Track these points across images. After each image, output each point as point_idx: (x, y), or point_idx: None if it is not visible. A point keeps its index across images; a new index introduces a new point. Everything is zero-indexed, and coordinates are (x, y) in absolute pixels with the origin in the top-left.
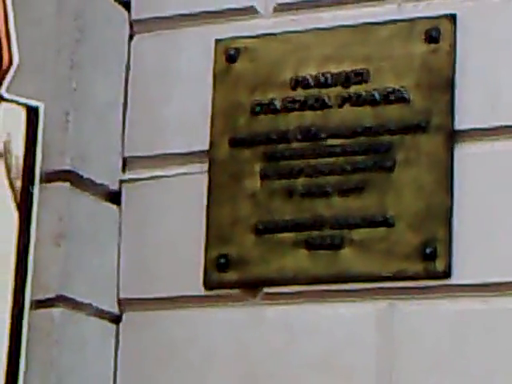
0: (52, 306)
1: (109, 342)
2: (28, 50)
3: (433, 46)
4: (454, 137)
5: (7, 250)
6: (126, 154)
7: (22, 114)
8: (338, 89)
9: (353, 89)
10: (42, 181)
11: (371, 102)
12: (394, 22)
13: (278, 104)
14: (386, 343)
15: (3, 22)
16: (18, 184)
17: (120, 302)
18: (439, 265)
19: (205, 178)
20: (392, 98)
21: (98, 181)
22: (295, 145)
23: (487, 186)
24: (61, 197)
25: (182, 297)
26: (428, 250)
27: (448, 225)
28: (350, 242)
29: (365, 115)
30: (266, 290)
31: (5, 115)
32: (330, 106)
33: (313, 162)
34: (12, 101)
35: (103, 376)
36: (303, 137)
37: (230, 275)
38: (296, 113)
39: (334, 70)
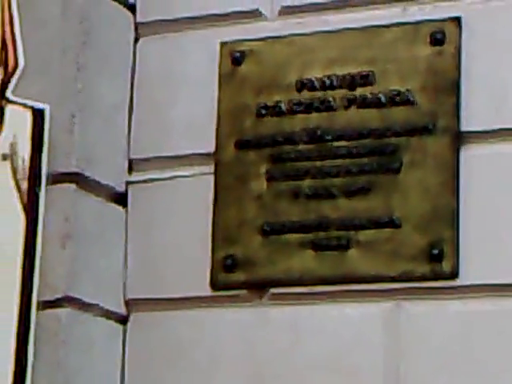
0: (59, 306)
1: (116, 343)
2: (34, 53)
3: (438, 48)
4: (459, 139)
5: (14, 251)
6: (132, 156)
7: (28, 115)
8: (344, 91)
9: (358, 91)
10: (48, 182)
11: (377, 104)
12: (399, 24)
13: (283, 106)
14: (392, 344)
15: (9, 24)
16: (25, 186)
17: (127, 302)
18: (446, 266)
19: (211, 180)
20: (397, 100)
21: (104, 182)
22: (301, 147)
23: (493, 188)
24: (67, 198)
25: (189, 297)
26: (435, 251)
27: (454, 226)
28: (356, 243)
29: (370, 117)
30: (273, 290)
31: (11, 117)
32: (336, 109)
33: (319, 163)
34: (18, 103)
35: (110, 376)
36: (309, 139)
37: (236, 276)
38: (302, 115)
39: (340, 72)
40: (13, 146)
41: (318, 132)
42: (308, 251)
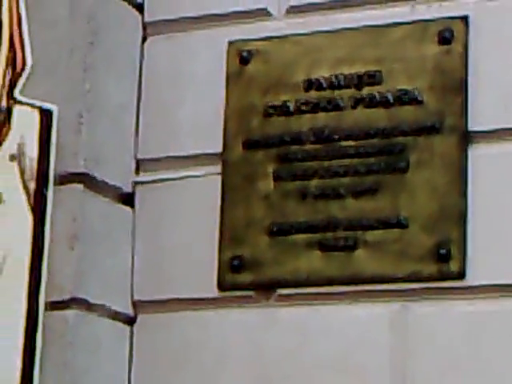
0: (66, 307)
1: (123, 344)
2: (41, 53)
3: (446, 47)
4: (467, 138)
5: (22, 251)
6: (140, 156)
7: (36, 116)
8: (351, 90)
9: (366, 90)
10: (55, 183)
11: (384, 103)
12: (407, 23)
13: (291, 106)
14: (399, 344)
15: (17, 24)
16: (32, 186)
17: (134, 303)
18: (453, 266)
19: (218, 180)
20: (405, 99)
21: (112, 183)
22: (308, 146)
23: (501, 187)
24: (74, 199)
25: (196, 298)
26: (442, 252)
27: (462, 226)
28: (363, 244)
29: (378, 117)
30: (280, 291)
31: (18, 117)
32: (343, 108)
33: (326, 163)
34: (26, 103)
35: (117, 377)
36: (316, 138)
37: (243, 277)
38: (309, 115)
39: (347, 71)
40: (20, 146)
41: (326, 132)
42: (315, 252)
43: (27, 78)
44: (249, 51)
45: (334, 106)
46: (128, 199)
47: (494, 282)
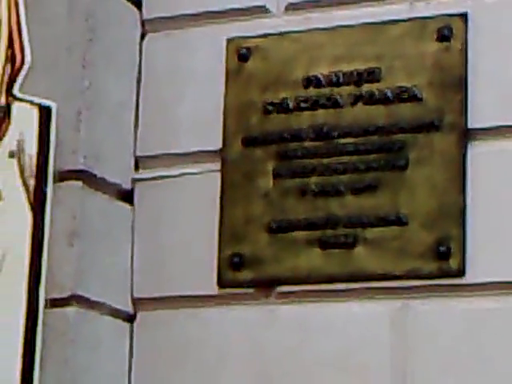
0: (66, 305)
1: (123, 341)
2: (40, 50)
3: (445, 44)
4: (466, 135)
5: (21, 249)
6: (139, 153)
7: (35, 113)
8: (351, 88)
9: (365, 87)
10: (55, 180)
11: (384, 100)
12: (406, 20)
13: (290, 103)
14: (400, 342)
15: (16, 22)
16: (32, 183)
17: (134, 301)
18: (453, 263)
19: (218, 177)
20: (404, 96)
21: (111, 180)
22: (308, 144)
23: (500, 185)
24: (74, 196)
25: (196, 296)
26: (442, 249)
27: (461, 223)
28: (363, 241)
29: (377, 114)
30: (280, 288)
31: (18, 115)
32: (343, 105)
33: (326, 160)
34: (25, 100)
35: (117, 375)
36: (316, 136)
37: (243, 274)
38: (308, 112)
39: (346, 68)
40: (20, 143)
41: (325, 129)
42: (315, 249)
43: (26, 75)
44: (248, 48)
45: (333, 103)
46: (127, 196)
47: (493, 279)
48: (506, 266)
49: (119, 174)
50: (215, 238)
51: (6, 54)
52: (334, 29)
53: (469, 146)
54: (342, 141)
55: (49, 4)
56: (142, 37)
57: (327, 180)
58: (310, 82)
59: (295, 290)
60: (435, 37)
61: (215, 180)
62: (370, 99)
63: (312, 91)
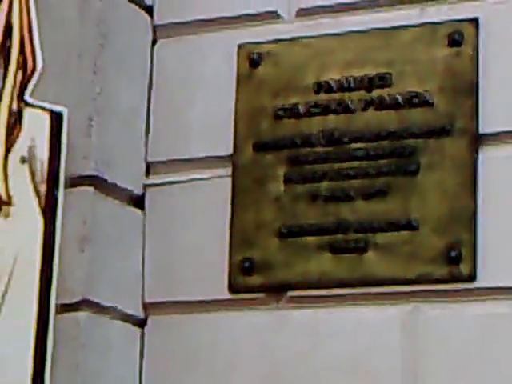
0: (77, 309)
1: (134, 346)
2: (51, 56)
3: (456, 49)
4: (478, 140)
5: (32, 254)
6: (150, 159)
7: (46, 118)
8: (361, 93)
9: (376, 93)
10: (66, 185)
11: (394, 105)
12: (417, 25)
13: (301, 108)
14: (410, 347)
15: (27, 27)
16: (43, 189)
17: (145, 305)
18: (464, 268)
19: (228, 183)
20: (415, 101)
21: (122, 185)
22: (319, 149)
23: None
24: (85, 201)
25: (207, 301)
26: (453, 254)
27: (472, 228)
28: (374, 246)
29: (388, 119)
30: (291, 293)
31: (29, 120)
32: (354, 110)
33: (336, 165)
34: (36, 106)
35: (128, 379)
36: (327, 141)
37: (254, 279)
38: (319, 117)
39: (357, 74)
40: (31, 149)
41: (336, 134)
42: (326, 254)
43: (37, 81)
44: (259, 54)
45: (344, 108)
46: (138, 202)
47: (504, 284)
48: None
49: (130, 179)
50: (226, 243)
51: (18, 59)
52: (344, 34)
53: (480, 150)
54: (353, 146)
55: (60, 9)
56: (154, 42)
57: (338, 185)
58: (321, 87)
59: (306, 295)
60: (446, 42)
61: (226, 185)
62: (381, 104)
63: (323, 96)
